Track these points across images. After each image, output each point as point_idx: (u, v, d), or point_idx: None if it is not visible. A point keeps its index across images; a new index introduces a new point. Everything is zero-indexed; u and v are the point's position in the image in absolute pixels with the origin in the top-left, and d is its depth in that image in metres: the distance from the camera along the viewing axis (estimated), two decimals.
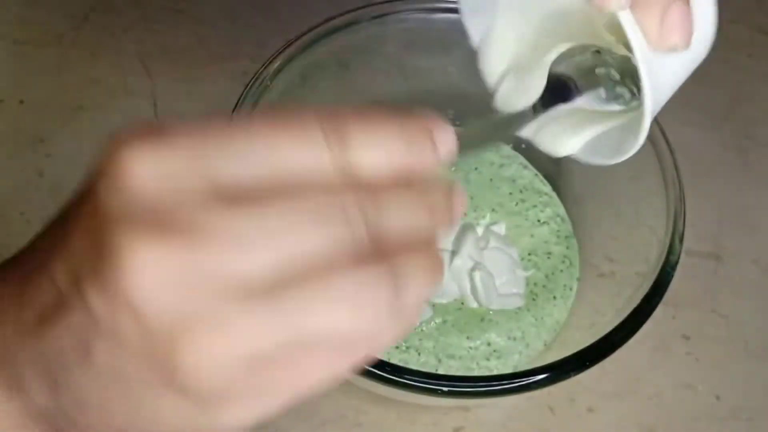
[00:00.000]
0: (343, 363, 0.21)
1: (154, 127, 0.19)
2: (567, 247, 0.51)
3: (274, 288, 0.19)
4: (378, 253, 0.20)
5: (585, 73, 0.33)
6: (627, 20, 0.27)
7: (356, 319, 0.19)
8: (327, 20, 0.47)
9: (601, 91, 0.33)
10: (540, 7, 0.34)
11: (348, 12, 0.47)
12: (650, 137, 0.45)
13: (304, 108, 0.20)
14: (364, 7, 0.48)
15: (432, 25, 0.49)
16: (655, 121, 0.45)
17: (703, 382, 0.49)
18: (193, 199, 0.19)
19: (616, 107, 0.33)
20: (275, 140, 0.20)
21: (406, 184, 0.21)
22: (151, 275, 0.18)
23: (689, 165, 0.46)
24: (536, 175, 0.53)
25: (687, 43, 0.28)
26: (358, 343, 0.20)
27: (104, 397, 0.21)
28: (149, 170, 0.19)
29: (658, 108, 0.31)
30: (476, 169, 0.53)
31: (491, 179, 0.53)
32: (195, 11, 0.62)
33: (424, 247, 0.21)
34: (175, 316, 0.18)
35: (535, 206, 0.52)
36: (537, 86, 0.33)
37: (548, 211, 0.52)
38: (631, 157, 0.46)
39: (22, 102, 0.57)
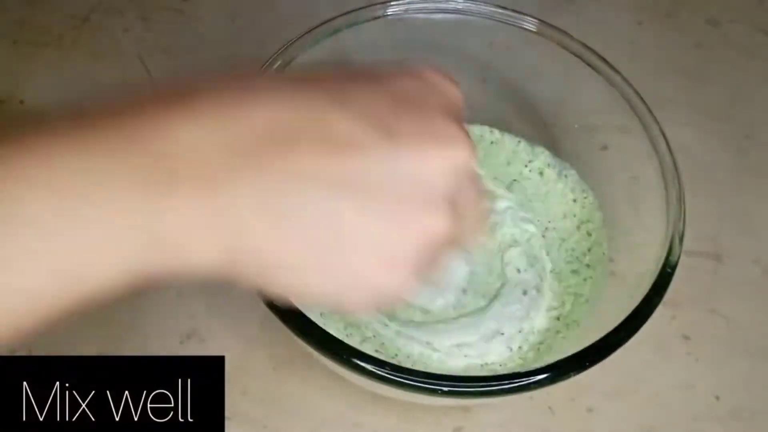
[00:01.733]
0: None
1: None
2: None
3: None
4: None
5: None
6: None
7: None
8: (327, 20, 0.47)
9: None
10: None
11: (348, 12, 0.47)
12: (650, 137, 0.45)
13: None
14: (364, 7, 0.48)
15: (432, 25, 0.49)
16: (655, 121, 0.45)
17: (703, 382, 0.49)
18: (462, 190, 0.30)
19: None
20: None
21: None
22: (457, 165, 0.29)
23: (689, 165, 0.46)
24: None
25: None
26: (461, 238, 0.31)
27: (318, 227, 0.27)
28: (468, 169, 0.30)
29: None
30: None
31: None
32: (195, 11, 0.62)
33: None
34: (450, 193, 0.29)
35: None
36: None
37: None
38: (631, 157, 0.46)
39: (22, 102, 0.57)
